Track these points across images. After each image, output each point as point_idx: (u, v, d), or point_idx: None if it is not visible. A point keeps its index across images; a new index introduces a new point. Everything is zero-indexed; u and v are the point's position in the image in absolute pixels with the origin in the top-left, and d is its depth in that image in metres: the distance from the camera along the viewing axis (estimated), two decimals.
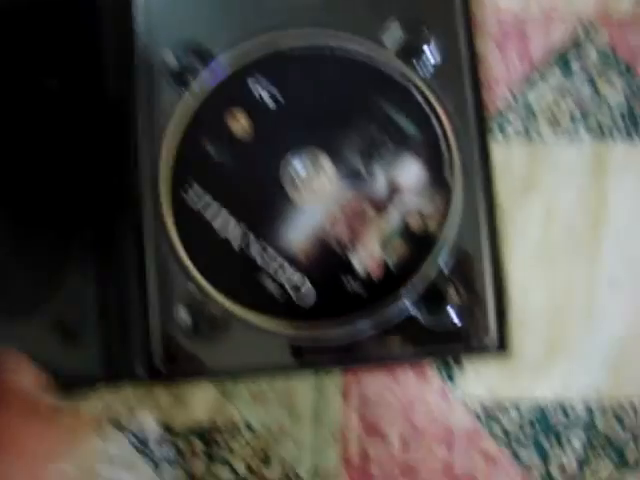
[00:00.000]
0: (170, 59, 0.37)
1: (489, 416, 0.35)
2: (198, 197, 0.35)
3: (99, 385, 0.36)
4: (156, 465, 0.36)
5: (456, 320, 0.35)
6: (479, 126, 0.36)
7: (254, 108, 0.36)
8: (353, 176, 0.35)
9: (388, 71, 0.36)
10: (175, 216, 0.36)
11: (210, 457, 0.36)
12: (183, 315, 0.35)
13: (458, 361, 0.35)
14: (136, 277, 0.36)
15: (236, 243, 0.35)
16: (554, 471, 0.35)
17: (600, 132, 0.36)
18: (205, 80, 0.36)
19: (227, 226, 0.35)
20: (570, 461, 0.35)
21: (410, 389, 0.35)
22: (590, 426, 0.35)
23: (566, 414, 0.35)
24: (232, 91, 0.36)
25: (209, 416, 0.36)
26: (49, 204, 0.35)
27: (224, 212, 0.35)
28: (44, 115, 0.35)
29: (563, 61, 0.36)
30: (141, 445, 0.36)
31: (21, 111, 0.34)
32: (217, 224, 0.35)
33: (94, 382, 0.35)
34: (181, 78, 0.37)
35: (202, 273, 0.35)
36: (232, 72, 0.36)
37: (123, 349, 0.35)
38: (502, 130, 0.36)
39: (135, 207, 0.36)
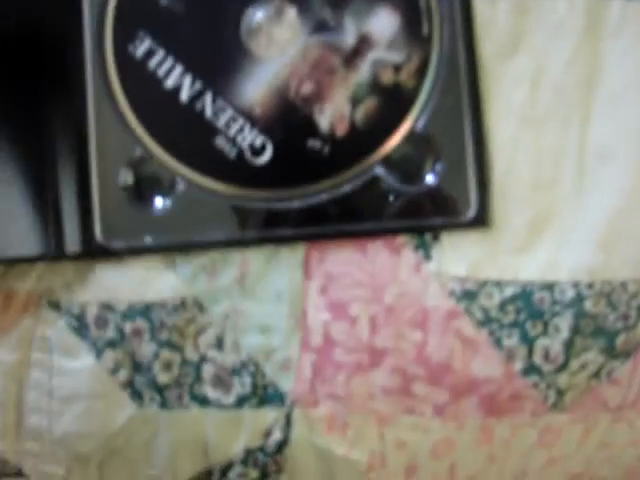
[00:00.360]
0: None
1: (468, 295, 0.31)
2: (142, 44, 0.31)
3: (36, 263, 0.32)
4: (98, 349, 0.32)
5: (433, 187, 0.31)
6: None
7: None
8: (319, 25, 0.32)
9: None
10: (118, 67, 0.32)
11: (156, 339, 0.32)
12: (126, 178, 0.31)
13: (435, 235, 0.31)
14: (75, 140, 0.32)
15: (184, 94, 0.31)
16: (537, 356, 0.31)
17: None
18: None
19: (174, 75, 0.31)
20: (555, 346, 0.31)
21: (381, 265, 0.31)
22: (578, 308, 0.31)
23: (552, 295, 0.31)
24: None
25: (154, 293, 0.32)
26: None
27: (170, 60, 0.31)
28: None
29: None
30: (81, 328, 0.32)
31: None
32: (162, 72, 0.31)
33: (31, 260, 0.32)
34: None
35: (147, 129, 0.31)
36: None
37: (60, 223, 0.31)
38: None
39: (76, 58, 0.32)
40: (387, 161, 0.31)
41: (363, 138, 0.31)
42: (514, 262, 0.31)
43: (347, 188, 0.31)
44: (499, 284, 0.31)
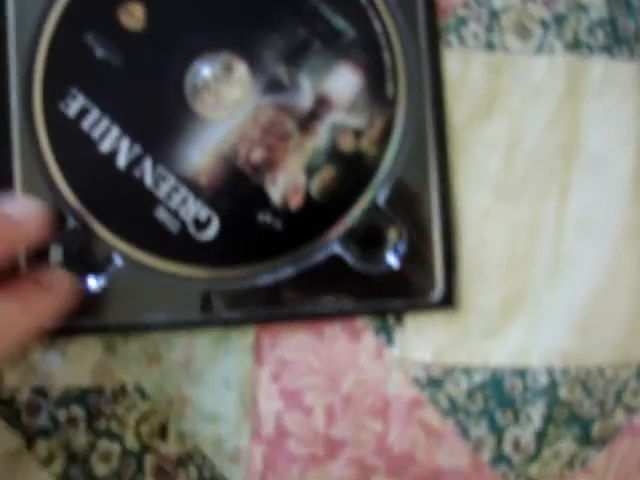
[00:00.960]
0: None
1: (433, 383, 0.29)
2: (75, 101, 0.28)
3: None
4: (29, 438, 0.29)
5: (395, 267, 0.28)
6: (429, 28, 0.29)
7: None
8: (272, 85, 0.28)
9: None
10: (48, 126, 0.28)
11: (93, 428, 0.29)
12: (56, 254, 0.28)
13: (397, 317, 0.29)
14: None
15: (122, 160, 0.28)
16: (507, 447, 0.29)
17: (576, 44, 0.30)
18: None
19: (110, 137, 0.28)
20: (526, 436, 0.29)
21: (339, 351, 0.29)
22: (552, 396, 0.29)
23: (524, 381, 0.29)
24: None
25: (92, 378, 0.29)
26: None
27: (106, 120, 0.28)
28: None
29: None
30: (10, 414, 0.29)
31: None
32: (97, 134, 0.28)
33: None
34: None
35: (80, 198, 0.28)
36: None
37: None
38: (458, 35, 0.29)
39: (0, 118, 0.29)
40: (345, 237, 0.28)
41: (319, 211, 0.28)
42: (483, 346, 0.29)
43: (301, 266, 0.28)
44: (467, 370, 0.29)
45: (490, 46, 0.29)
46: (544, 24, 0.30)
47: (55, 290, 0.26)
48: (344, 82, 0.28)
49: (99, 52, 0.28)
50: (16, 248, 0.26)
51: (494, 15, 0.30)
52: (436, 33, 0.29)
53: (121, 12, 0.29)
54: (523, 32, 0.29)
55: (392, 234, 0.28)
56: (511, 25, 0.30)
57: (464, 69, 0.29)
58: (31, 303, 0.25)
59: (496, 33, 0.29)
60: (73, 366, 0.29)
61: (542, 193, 0.29)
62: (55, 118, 0.28)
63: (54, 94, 0.28)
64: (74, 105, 0.28)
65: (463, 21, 0.29)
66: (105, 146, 0.28)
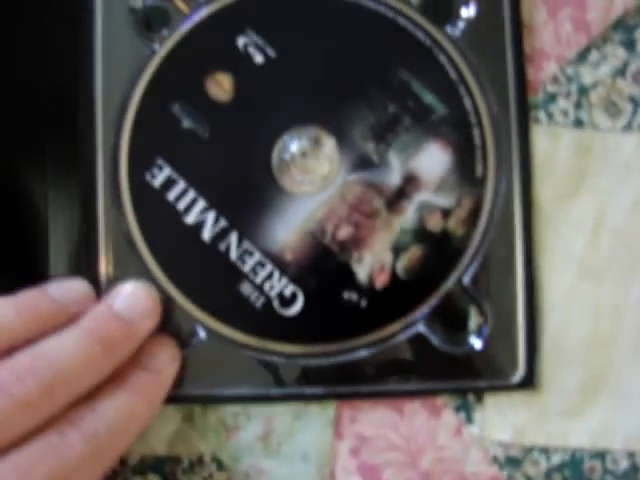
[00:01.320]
0: (137, 3, 0.29)
1: (512, 462, 0.29)
2: (161, 172, 0.28)
3: None
4: None
5: (478, 347, 0.28)
6: (520, 106, 0.29)
7: (241, 70, 0.28)
8: (361, 161, 0.28)
9: (409, 28, 0.29)
10: (133, 197, 0.28)
11: None
12: None
13: (478, 397, 0.29)
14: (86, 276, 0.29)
15: (207, 233, 0.28)
16: None
17: None
18: (178, 29, 0.29)
19: (195, 210, 0.28)
20: None
21: (418, 428, 0.29)
22: None
23: (604, 464, 0.29)
24: (214, 46, 0.29)
25: (170, 447, 0.29)
26: None
27: (192, 192, 0.28)
28: None
29: (626, 33, 0.29)
30: None
31: None
32: (183, 206, 0.28)
33: None
34: (148, 25, 0.29)
35: (164, 270, 0.28)
36: (215, 22, 0.29)
37: None
38: (547, 112, 0.29)
39: (87, 187, 0.29)
40: (430, 317, 0.28)
41: (405, 291, 0.28)
42: (563, 427, 0.29)
43: (385, 345, 0.28)
44: (546, 450, 0.29)
45: (579, 123, 0.29)
46: (633, 101, 0.29)
47: (164, 373, 0.26)
48: (433, 160, 0.28)
49: (186, 122, 0.28)
50: (132, 349, 0.26)
51: (583, 91, 0.29)
52: (526, 111, 0.29)
53: (209, 83, 0.28)
54: (612, 109, 0.29)
55: (476, 314, 0.28)
56: (600, 102, 0.29)
57: (552, 147, 0.29)
58: (146, 392, 0.25)
59: (585, 110, 0.29)
60: (151, 434, 0.29)
61: (627, 274, 0.29)
62: (141, 189, 0.28)
63: (140, 164, 0.28)
64: (160, 176, 0.28)
65: (552, 97, 0.29)
66: (190, 218, 0.28)
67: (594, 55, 0.29)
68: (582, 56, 0.29)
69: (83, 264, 0.28)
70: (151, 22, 0.29)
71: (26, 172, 0.29)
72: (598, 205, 0.29)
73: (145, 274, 0.28)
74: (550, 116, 0.29)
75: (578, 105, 0.29)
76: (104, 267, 0.28)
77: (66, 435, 0.23)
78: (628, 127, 0.29)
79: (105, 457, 0.24)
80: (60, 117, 0.29)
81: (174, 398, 0.29)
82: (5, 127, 0.29)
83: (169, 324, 0.28)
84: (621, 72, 0.29)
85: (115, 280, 0.28)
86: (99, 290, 0.28)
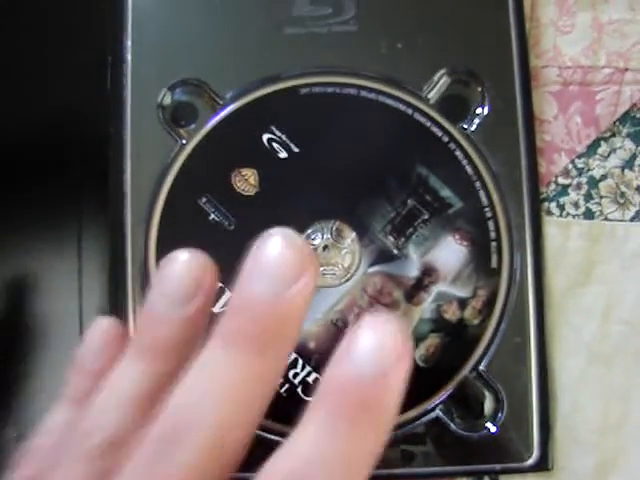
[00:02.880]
0: (166, 99, 0.30)
1: None
2: None
3: None
4: None
5: (494, 431, 0.29)
6: (533, 199, 0.30)
7: (265, 165, 0.30)
8: (381, 254, 0.29)
9: (427, 124, 0.30)
10: None
11: None
12: None
13: (493, 479, 0.30)
14: None
15: None
16: None
17: None
18: (206, 125, 0.30)
19: (222, 301, 0.29)
20: None
21: None
22: None
23: None
24: (239, 141, 0.30)
25: None
26: None
27: (218, 285, 0.29)
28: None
29: (633, 126, 0.31)
30: None
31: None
32: None
33: None
34: (178, 122, 0.30)
35: None
36: (242, 120, 0.30)
37: None
38: (559, 205, 0.30)
39: (117, 276, 0.30)
40: (447, 403, 0.29)
41: (423, 378, 0.29)
42: None
43: (405, 430, 0.29)
44: None
45: (589, 214, 0.30)
46: None
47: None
48: (450, 253, 0.29)
49: (212, 215, 0.29)
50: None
51: (593, 183, 0.30)
52: (538, 203, 0.30)
53: (235, 177, 0.30)
54: (621, 200, 0.30)
55: (492, 399, 0.29)
56: (609, 193, 0.30)
57: (563, 237, 0.30)
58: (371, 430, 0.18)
59: (595, 201, 0.30)
60: None
61: (636, 359, 0.30)
62: None
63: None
64: None
65: (564, 189, 0.30)
66: (217, 308, 0.29)
67: (603, 148, 0.30)
68: (592, 149, 0.30)
69: None
70: (179, 117, 0.30)
71: (59, 258, 0.30)
72: (607, 293, 0.30)
73: None
74: (561, 207, 0.30)
75: (588, 197, 0.30)
76: None
77: None
78: (636, 217, 0.30)
79: None
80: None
81: None
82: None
83: None
84: (629, 164, 0.31)
85: None
86: None
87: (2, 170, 0.30)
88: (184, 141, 0.30)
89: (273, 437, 0.29)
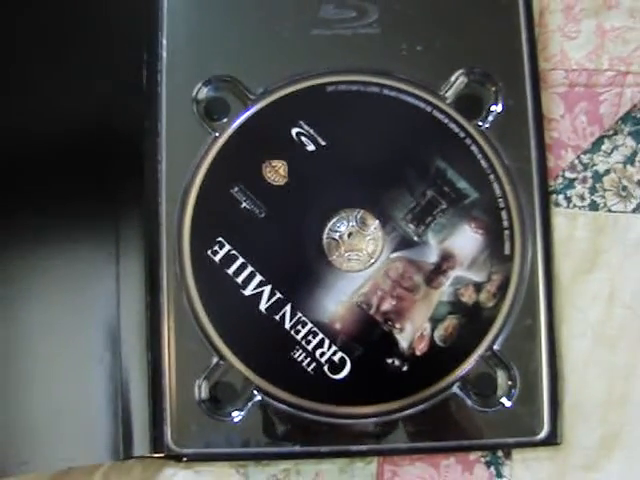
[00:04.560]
0: (200, 94, 0.32)
1: None
2: (221, 250, 0.31)
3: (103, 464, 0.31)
4: None
5: (508, 408, 0.31)
6: (542, 191, 0.32)
7: (294, 157, 0.32)
8: (402, 241, 0.31)
9: (445, 121, 0.32)
10: (195, 270, 0.31)
11: None
12: (201, 389, 0.31)
13: (507, 453, 0.32)
14: (149, 345, 0.31)
15: (263, 304, 0.31)
16: None
17: None
18: (239, 120, 0.32)
19: (253, 283, 0.31)
20: None
21: None
22: None
23: None
24: (270, 134, 0.32)
25: None
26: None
27: (250, 268, 0.31)
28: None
29: (634, 125, 0.33)
30: None
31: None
32: (241, 280, 0.31)
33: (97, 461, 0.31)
34: (212, 115, 0.32)
35: (223, 337, 0.31)
36: (272, 114, 0.32)
37: (130, 427, 0.31)
38: (566, 197, 0.33)
39: (151, 259, 0.31)
40: (464, 381, 0.31)
41: (442, 357, 0.31)
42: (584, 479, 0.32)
43: (424, 406, 0.31)
44: None
45: (594, 206, 0.33)
46: None
47: None
48: (467, 240, 0.31)
49: (244, 204, 0.31)
50: None
51: (598, 177, 0.33)
52: (548, 196, 0.32)
53: (265, 168, 0.32)
54: (623, 193, 0.33)
55: (505, 377, 0.31)
56: (613, 186, 0.33)
57: (570, 227, 0.32)
58: None
59: (599, 194, 0.33)
60: None
61: (638, 340, 0.32)
62: (202, 263, 0.31)
63: (202, 242, 0.31)
64: (221, 252, 0.31)
65: (570, 183, 0.33)
66: (248, 290, 0.31)
67: (607, 145, 0.33)
68: (596, 146, 0.33)
69: (148, 330, 0.31)
70: (212, 112, 0.32)
71: (97, 244, 0.32)
72: (611, 279, 0.32)
73: (205, 341, 0.31)
74: (568, 199, 0.33)
75: (593, 190, 0.33)
76: (166, 334, 0.31)
77: None
78: (638, 209, 0.33)
79: None
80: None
81: (230, 455, 0.31)
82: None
83: (228, 389, 0.31)
84: (630, 160, 0.33)
85: (177, 343, 0.31)
86: (160, 349, 0.30)
87: (44, 161, 0.32)
88: (217, 134, 0.32)
89: (301, 413, 0.31)
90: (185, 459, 0.31)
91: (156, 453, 0.31)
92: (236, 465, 0.32)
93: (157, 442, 0.31)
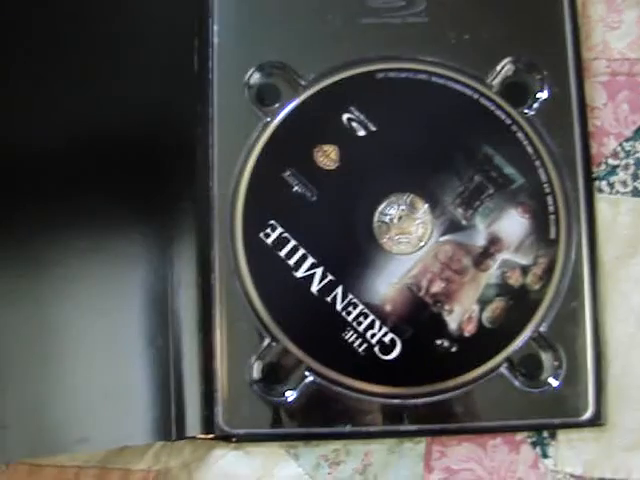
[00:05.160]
0: (253, 79, 0.33)
1: None
2: (274, 232, 0.32)
3: (154, 444, 0.32)
4: None
5: (554, 389, 0.32)
6: (586, 177, 0.33)
7: (345, 141, 0.32)
8: (451, 224, 0.32)
9: (491, 108, 0.33)
10: (247, 252, 0.32)
11: None
12: (253, 370, 0.31)
13: (552, 433, 0.32)
14: (201, 324, 0.32)
15: (315, 286, 0.31)
16: None
17: None
18: (291, 105, 0.33)
19: (305, 266, 0.31)
20: None
21: (500, 462, 0.32)
22: None
23: None
24: (321, 120, 0.33)
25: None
26: None
27: (302, 250, 0.31)
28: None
29: None
30: None
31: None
32: (293, 262, 0.31)
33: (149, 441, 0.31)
34: (263, 101, 0.33)
35: (276, 319, 0.31)
36: (323, 100, 0.32)
37: (182, 407, 0.31)
38: (609, 183, 0.33)
39: (204, 244, 0.32)
40: (511, 362, 0.32)
41: (490, 338, 0.32)
42: (628, 461, 0.32)
43: (472, 387, 0.31)
44: None
45: (636, 192, 0.33)
46: None
47: None
48: (513, 224, 0.32)
49: (296, 188, 0.32)
50: None
51: (639, 164, 0.34)
52: (591, 182, 0.33)
53: (317, 152, 0.32)
54: None
55: (552, 359, 0.32)
56: None
57: (614, 213, 0.33)
58: None
59: None
60: (258, 468, 0.32)
61: None
62: (254, 246, 0.32)
63: (254, 224, 0.32)
64: (273, 235, 0.32)
65: (613, 169, 0.33)
66: (300, 272, 0.32)
67: None
68: (638, 133, 0.34)
69: (201, 312, 0.32)
70: (263, 97, 0.33)
71: (152, 227, 0.32)
72: None
73: (258, 322, 0.31)
74: (611, 186, 0.33)
75: (635, 176, 0.33)
76: (219, 316, 0.31)
77: None
78: None
79: None
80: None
81: (280, 436, 0.32)
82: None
83: (280, 370, 0.31)
84: None
85: (229, 324, 0.31)
86: (212, 330, 0.31)
87: (101, 148, 0.32)
88: (268, 119, 0.32)
89: (352, 394, 0.31)
90: (235, 440, 0.31)
91: (207, 434, 0.31)
92: (286, 446, 0.32)
93: (208, 423, 0.31)
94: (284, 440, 0.32)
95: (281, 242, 0.32)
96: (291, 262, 0.32)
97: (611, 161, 0.34)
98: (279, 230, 0.32)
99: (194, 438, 0.32)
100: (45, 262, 0.31)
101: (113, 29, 0.33)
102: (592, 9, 0.34)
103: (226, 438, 0.32)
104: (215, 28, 0.33)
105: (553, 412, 0.32)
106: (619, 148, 0.34)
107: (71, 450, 0.31)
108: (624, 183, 0.33)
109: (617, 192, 0.33)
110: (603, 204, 0.33)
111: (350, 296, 0.31)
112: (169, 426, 0.31)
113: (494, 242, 0.32)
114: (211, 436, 0.32)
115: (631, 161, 0.34)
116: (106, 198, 0.32)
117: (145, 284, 0.32)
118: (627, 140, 0.34)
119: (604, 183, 0.33)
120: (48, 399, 0.30)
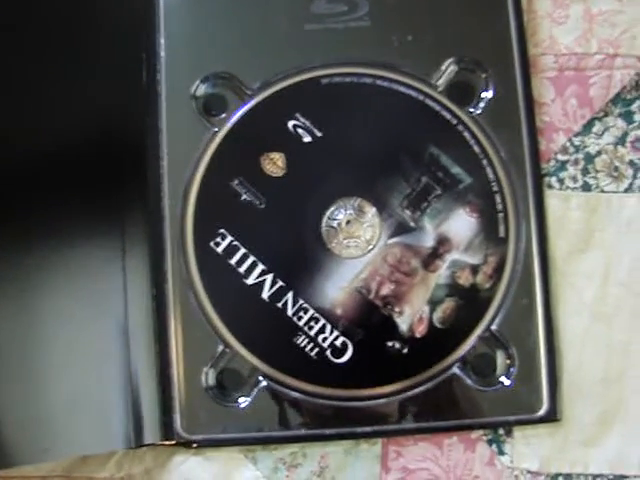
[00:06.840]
0: (199, 90, 0.33)
1: None
2: (224, 241, 0.32)
3: (117, 451, 0.32)
4: None
5: (507, 386, 0.32)
6: (535, 174, 0.33)
7: (292, 149, 0.32)
8: (399, 227, 0.32)
9: (437, 109, 0.33)
10: (199, 262, 0.32)
11: None
12: (208, 377, 0.32)
13: (508, 431, 0.32)
14: (156, 336, 0.32)
15: (265, 292, 0.32)
16: None
17: None
18: (237, 114, 0.33)
19: (255, 273, 0.32)
20: None
21: (456, 460, 0.32)
22: None
23: None
24: (267, 128, 0.33)
25: None
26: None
27: (252, 258, 0.32)
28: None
29: (624, 106, 0.34)
30: None
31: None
32: (244, 269, 0.32)
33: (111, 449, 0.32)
34: (210, 111, 0.33)
35: (228, 326, 0.32)
36: (269, 108, 0.33)
37: (140, 415, 0.32)
38: (559, 179, 0.33)
39: (156, 253, 0.32)
40: (464, 361, 0.32)
41: (441, 339, 0.32)
42: (584, 455, 0.33)
43: (425, 387, 0.32)
44: (570, 477, 0.32)
45: (586, 187, 0.33)
46: (633, 166, 0.33)
47: None
48: (462, 224, 0.32)
49: (244, 196, 0.32)
50: None
51: (589, 159, 0.33)
52: (540, 179, 0.33)
53: (264, 160, 0.32)
54: (615, 174, 0.33)
55: (504, 357, 0.32)
56: (604, 168, 0.33)
57: (564, 208, 0.33)
58: None
59: (591, 175, 0.33)
60: (217, 473, 0.32)
61: (634, 317, 0.33)
62: (206, 255, 0.32)
63: (205, 234, 0.32)
64: (223, 244, 0.32)
65: (562, 165, 0.33)
66: (250, 280, 0.32)
67: (597, 127, 0.34)
68: (587, 128, 0.34)
69: (155, 322, 0.32)
70: (210, 107, 0.33)
71: (104, 239, 0.33)
72: (605, 258, 0.33)
73: (211, 330, 0.32)
74: (561, 181, 0.33)
75: (585, 171, 0.33)
76: (173, 324, 0.32)
77: None
78: (630, 189, 0.33)
79: None
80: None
81: (238, 440, 0.32)
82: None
83: (234, 376, 0.32)
84: (621, 141, 0.34)
85: (183, 333, 0.32)
86: (168, 339, 0.31)
87: (50, 161, 0.33)
88: (216, 129, 0.33)
89: (306, 397, 0.32)
90: (195, 445, 0.32)
91: (167, 440, 0.32)
92: (245, 450, 0.33)
93: (167, 430, 0.32)
94: (242, 445, 0.32)
95: (231, 250, 0.32)
96: (241, 270, 0.32)
97: (560, 157, 0.34)
98: (229, 238, 0.32)
99: (155, 445, 0.32)
100: (3, 276, 0.32)
101: (62, 42, 0.33)
102: (538, 4, 0.34)
103: (187, 444, 0.32)
104: (162, 41, 0.33)
105: (508, 410, 0.32)
106: (568, 143, 0.34)
107: (35, 461, 0.32)
108: (574, 178, 0.33)
109: (567, 187, 0.33)
110: (553, 200, 0.33)
111: (301, 301, 0.32)
112: (129, 434, 0.32)
113: (443, 242, 0.32)
114: (172, 442, 0.32)
115: (581, 156, 0.34)
116: (59, 211, 0.32)
117: (102, 295, 0.32)
118: (576, 135, 0.34)
119: (554, 179, 0.33)
120: (10, 412, 0.31)
